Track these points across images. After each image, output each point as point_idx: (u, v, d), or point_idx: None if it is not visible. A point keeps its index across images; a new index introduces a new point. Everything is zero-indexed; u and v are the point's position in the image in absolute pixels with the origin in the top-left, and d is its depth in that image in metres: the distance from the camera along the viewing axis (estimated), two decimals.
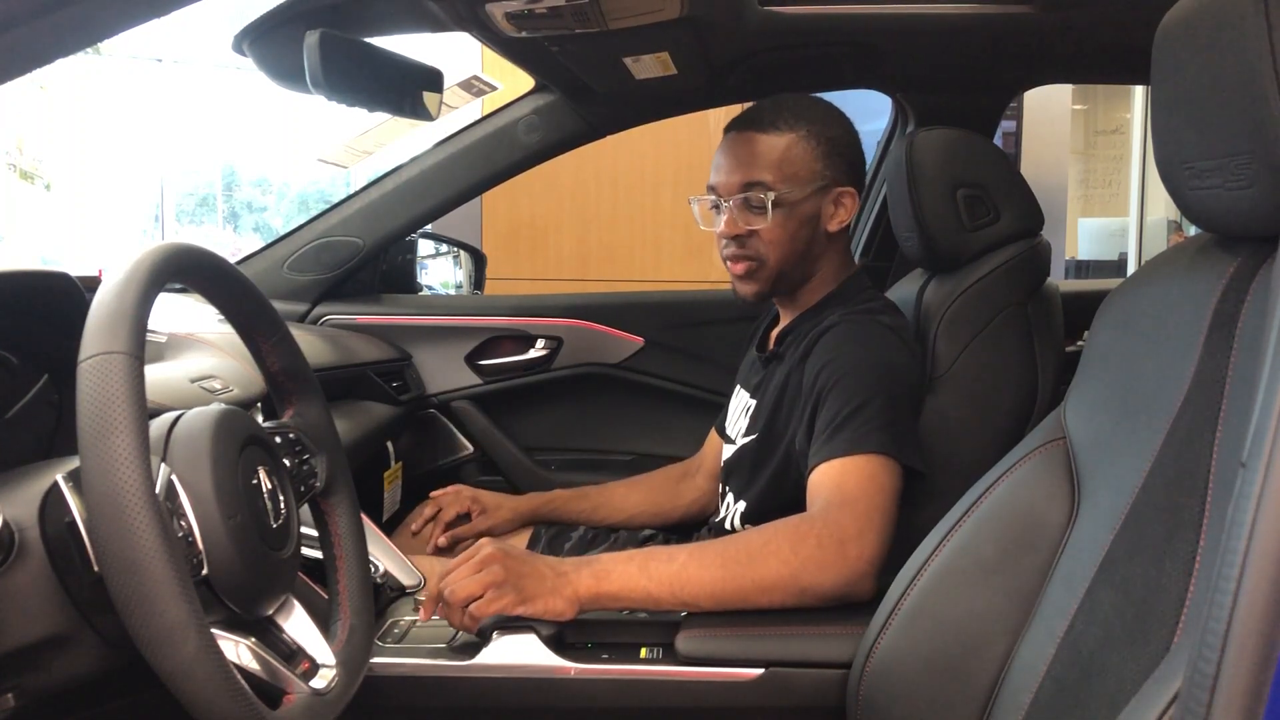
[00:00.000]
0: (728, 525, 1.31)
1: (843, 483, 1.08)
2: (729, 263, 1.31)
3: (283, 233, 1.88)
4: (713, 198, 1.31)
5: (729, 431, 1.40)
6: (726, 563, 1.03)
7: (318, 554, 0.98)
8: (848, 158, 1.29)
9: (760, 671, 1.01)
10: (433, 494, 1.53)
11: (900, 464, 1.10)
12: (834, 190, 1.28)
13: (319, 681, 0.81)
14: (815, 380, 1.17)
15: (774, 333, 1.39)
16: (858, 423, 1.10)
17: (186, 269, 0.78)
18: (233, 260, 0.98)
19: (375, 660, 1.01)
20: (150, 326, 0.71)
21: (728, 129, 1.32)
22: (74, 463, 0.67)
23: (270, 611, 0.82)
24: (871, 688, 0.94)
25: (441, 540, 1.49)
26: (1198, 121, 0.71)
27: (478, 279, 2.36)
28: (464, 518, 1.53)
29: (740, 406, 1.39)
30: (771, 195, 1.24)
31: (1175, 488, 0.70)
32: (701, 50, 1.44)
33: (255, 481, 0.79)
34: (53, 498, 0.69)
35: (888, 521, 1.06)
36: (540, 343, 1.92)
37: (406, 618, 1.11)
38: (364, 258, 1.84)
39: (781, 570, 1.02)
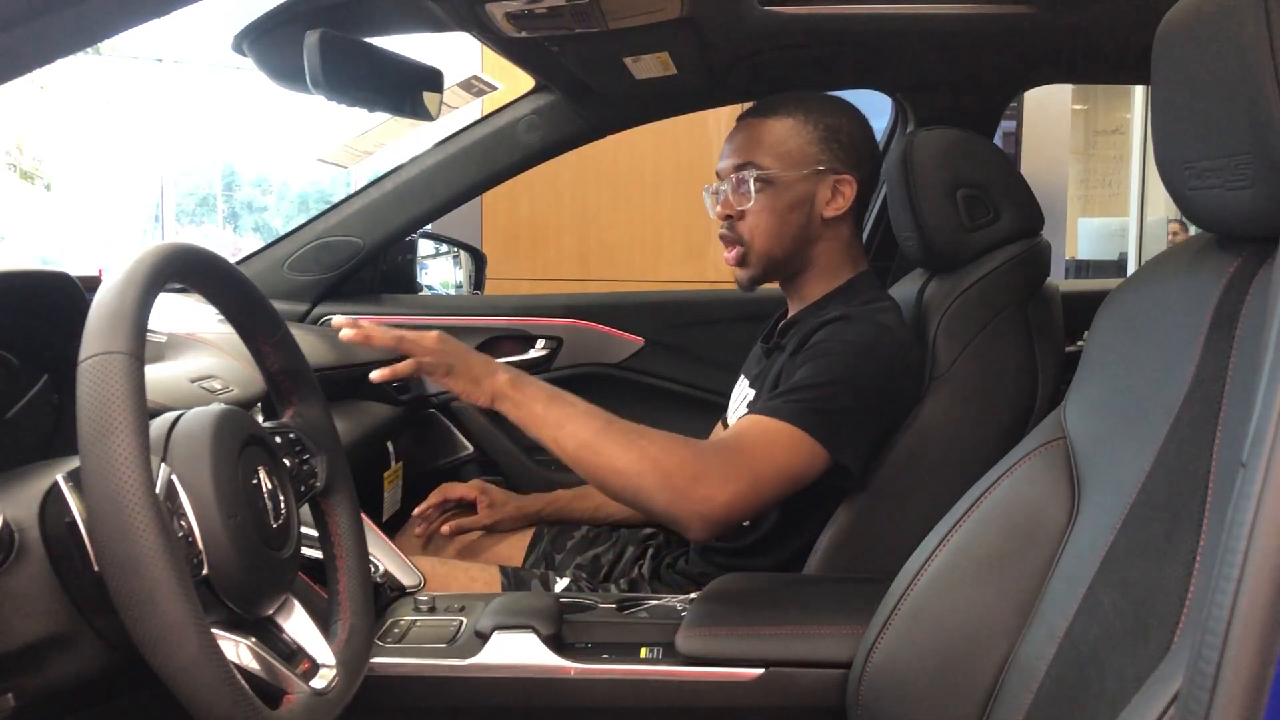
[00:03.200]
0: None
1: (744, 434, 1.10)
2: (725, 249, 1.34)
3: (283, 233, 1.88)
4: (716, 185, 1.34)
5: (729, 420, 1.41)
6: (603, 430, 1.06)
7: (318, 554, 0.98)
8: (849, 146, 1.30)
9: (760, 671, 1.01)
10: (444, 485, 1.54)
11: (827, 453, 1.10)
12: (831, 177, 1.28)
13: (319, 681, 0.81)
14: (800, 358, 1.18)
15: (780, 325, 1.40)
16: (802, 396, 1.12)
17: (186, 269, 0.78)
18: (233, 260, 0.98)
19: (375, 660, 1.01)
20: (150, 326, 0.71)
21: (737, 120, 1.34)
22: (74, 463, 0.67)
23: (270, 611, 0.82)
24: (871, 687, 0.94)
25: (445, 529, 1.49)
26: (1198, 121, 0.71)
27: (478, 279, 2.36)
28: (469, 508, 1.53)
29: (740, 395, 1.40)
30: (755, 173, 1.27)
31: (1175, 487, 0.70)
32: (701, 50, 1.44)
33: (255, 481, 0.79)
34: (53, 498, 0.69)
35: (763, 488, 1.07)
36: (540, 343, 1.92)
37: (406, 618, 1.11)
38: (364, 258, 1.84)
39: (635, 465, 1.04)
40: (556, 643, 1.03)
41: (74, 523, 0.68)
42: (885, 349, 1.19)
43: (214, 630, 0.67)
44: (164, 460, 0.73)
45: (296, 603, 0.84)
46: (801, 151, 1.28)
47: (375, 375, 1.07)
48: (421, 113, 1.48)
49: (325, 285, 1.84)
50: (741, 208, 1.29)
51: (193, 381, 1.10)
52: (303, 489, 0.92)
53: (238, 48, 1.38)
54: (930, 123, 1.45)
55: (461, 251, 2.36)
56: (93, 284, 0.74)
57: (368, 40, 1.34)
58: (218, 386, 1.12)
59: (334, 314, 1.84)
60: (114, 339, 0.65)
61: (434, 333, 1.10)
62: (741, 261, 1.32)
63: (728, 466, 1.06)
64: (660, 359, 1.95)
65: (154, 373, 1.09)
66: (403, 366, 1.08)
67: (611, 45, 1.37)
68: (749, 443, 1.09)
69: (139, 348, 0.67)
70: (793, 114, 1.29)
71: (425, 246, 2.29)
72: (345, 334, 1.05)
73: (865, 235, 1.96)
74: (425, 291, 2.25)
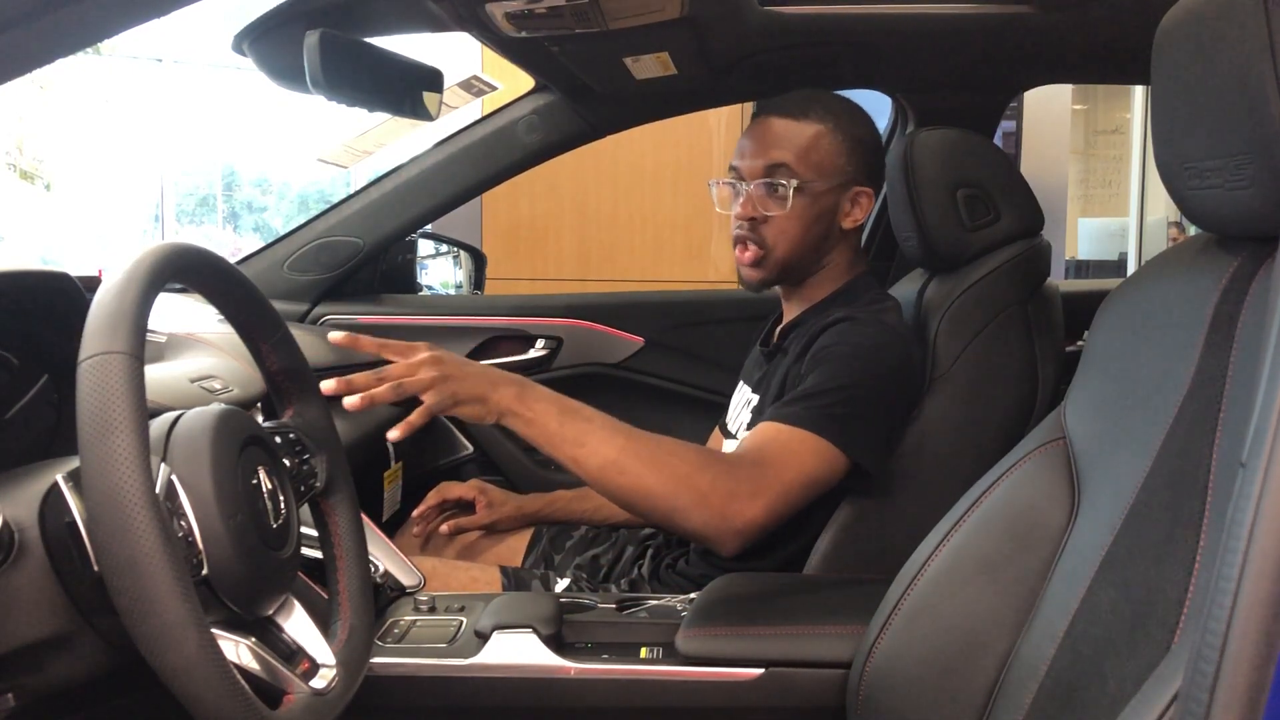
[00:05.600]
0: None
1: (768, 445, 1.09)
2: (738, 247, 1.30)
3: (283, 233, 1.88)
4: (732, 180, 1.30)
5: (730, 427, 1.40)
6: (627, 447, 1.03)
7: (318, 554, 0.98)
8: (869, 159, 1.30)
9: (760, 671, 1.01)
10: (442, 485, 1.54)
11: (847, 457, 1.10)
12: (853, 189, 1.28)
13: (319, 681, 0.81)
14: (809, 363, 1.18)
15: (779, 328, 1.39)
16: (820, 402, 1.11)
17: (186, 269, 0.78)
18: (233, 260, 0.98)
19: (375, 660, 1.01)
20: (150, 326, 0.71)
21: (757, 113, 1.31)
22: (74, 463, 0.67)
23: (270, 611, 0.81)
24: (871, 687, 0.94)
25: (444, 529, 1.49)
26: (1198, 121, 0.71)
27: (478, 279, 2.36)
28: (468, 507, 1.53)
29: (742, 401, 1.39)
30: (795, 182, 1.24)
31: (1175, 488, 0.70)
32: (701, 50, 1.44)
33: (255, 481, 0.79)
34: (53, 498, 0.69)
35: (789, 499, 1.07)
36: (540, 343, 1.92)
37: (406, 618, 1.11)
38: (364, 258, 1.84)
39: (665, 485, 1.02)
40: (556, 643, 1.03)
41: (74, 523, 0.68)
42: (893, 349, 1.19)
43: (214, 630, 0.67)
44: (164, 460, 0.73)
45: (296, 603, 0.84)
46: (831, 162, 1.26)
47: (392, 435, 1.01)
48: (421, 113, 1.48)
49: (325, 285, 1.84)
50: (770, 213, 1.26)
51: (193, 381, 1.11)
52: (303, 489, 0.91)
53: (238, 48, 1.38)
54: (930, 123, 1.45)
55: (461, 251, 2.36)
56: (93, 284, 0.74)
57: (368, 40, 1.34)
58: (218, 386, 1.12)
59: (334, 314, 1.84)
60: (114, 339, 0.65)
61: (422, 356, 1.01)
62: (758, 263, 1.29)
63: (758, 480, 1.05)
64: (660, 359, 1.95)
65: (154, 373, 1.09)
66: (416, 418, 1.01)
67: (611, 45, 1.37)
68: (774, 454, 1.08)
69: (139, 348, 0.66)
70: (822, 120, 1.26)
71: (425, 246, 2.29)
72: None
73: (865, 235, 1.96)
74: (425, 291, 2.25)
